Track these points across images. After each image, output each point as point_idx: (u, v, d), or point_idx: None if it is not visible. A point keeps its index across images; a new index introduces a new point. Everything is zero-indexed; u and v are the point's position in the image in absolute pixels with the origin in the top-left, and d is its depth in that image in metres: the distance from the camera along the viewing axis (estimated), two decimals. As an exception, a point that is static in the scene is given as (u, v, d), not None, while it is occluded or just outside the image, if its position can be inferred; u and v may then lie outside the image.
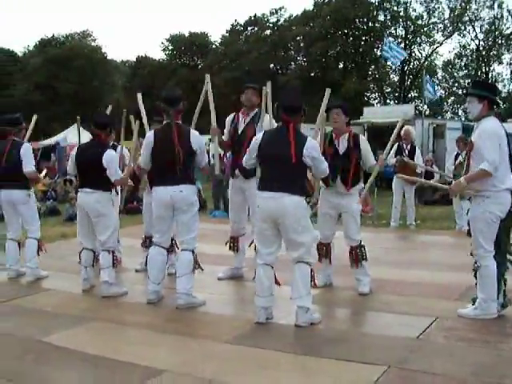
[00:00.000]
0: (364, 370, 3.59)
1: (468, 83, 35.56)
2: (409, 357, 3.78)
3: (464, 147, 8.03)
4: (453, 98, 42.07)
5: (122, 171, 5.67)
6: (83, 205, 5.56)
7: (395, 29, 39.29)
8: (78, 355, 3.94)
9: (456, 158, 9.39)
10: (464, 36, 38.73)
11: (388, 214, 10.24)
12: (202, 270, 5.20)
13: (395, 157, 9.15)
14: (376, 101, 41.38)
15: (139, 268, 6.38)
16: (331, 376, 3.56)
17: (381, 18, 38.79)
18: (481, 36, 37.92)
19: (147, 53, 51.15)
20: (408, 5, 37.92)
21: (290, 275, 4.51)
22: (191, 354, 3.99)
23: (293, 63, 42.72)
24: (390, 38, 26.20)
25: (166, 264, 5.41)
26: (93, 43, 48.05)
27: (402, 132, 9.45)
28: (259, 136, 4.65)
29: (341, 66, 39.86)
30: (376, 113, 21.08)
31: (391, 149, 5.50)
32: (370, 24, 38.72)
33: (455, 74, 41.44)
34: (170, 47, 46.09)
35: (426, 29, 38.61)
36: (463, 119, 28.20)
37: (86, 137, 6.10)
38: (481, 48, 38.21)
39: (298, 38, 40.40)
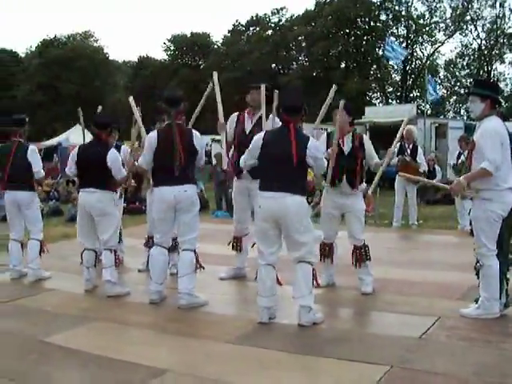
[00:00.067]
0: (366, 369, 3.59)
1: (470, 82, 35.58)
2: (411, 356, 3.78)
3: (466, 146, 7.99)
4: (455, 97, 42.08)
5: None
6: (85, 204, 5.56)
7: (397, 28, 39.39)
8: (80, 355, 3.94)
9: (458, 157, 9.37)
10: (466, 35, 38.84)
11: (390, 214, 10.22)
12: (203, 268, 5.19)
13: (397, 156, 9.14)
14: (378, 100, 41.46)
15: (142, 268, 6.38)
16: (333, 376, 3.56)
17: (382, 17, 38.85)
18: (483, 35, 37.99)
19: (149, 53, 51.39)
20: (410, 4, 38.02)
21: (291, 275, 4.51)
22: (193, 353, 4.00)
23: (294, 63, 42.75)
24: (392, 38, 26.18)
25: (169, 264, 5.41)
26: (95, 44, 48.22)
27: (404, 131, 9.43)
28: (260, 136, 4.63)
29: (343, 65, 39.82)
30: (378, 112, 21.06)
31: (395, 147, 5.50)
32: (372, 24, 38.70)
33: (457, 74, 41.45)
34: (172, 47, 46.18)
35: (427, 28, 38.64)
36: (465, 118, 28.13)
37: (91, 136, 6.10)
38: (483, 47, 38.18)
39: (300, 37, 40.42)
